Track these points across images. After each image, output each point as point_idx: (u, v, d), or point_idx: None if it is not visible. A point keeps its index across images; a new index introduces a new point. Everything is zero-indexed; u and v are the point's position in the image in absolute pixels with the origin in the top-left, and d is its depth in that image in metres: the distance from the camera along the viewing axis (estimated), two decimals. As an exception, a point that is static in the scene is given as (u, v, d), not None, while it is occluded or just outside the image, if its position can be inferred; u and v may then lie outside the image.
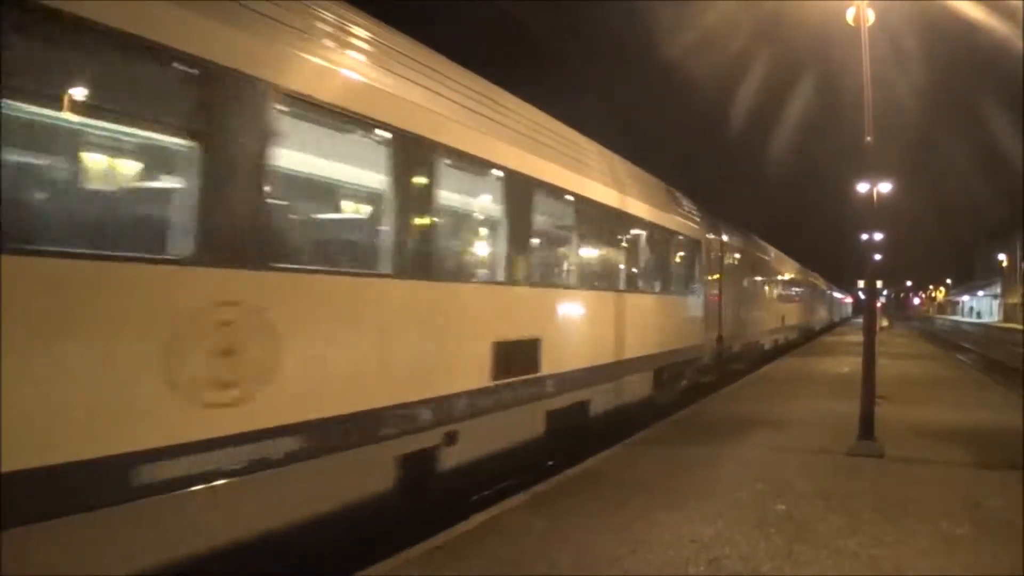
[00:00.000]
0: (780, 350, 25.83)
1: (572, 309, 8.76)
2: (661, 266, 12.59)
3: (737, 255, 19.30)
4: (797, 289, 33.22)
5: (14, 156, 3.36)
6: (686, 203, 14.62)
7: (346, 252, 5.84)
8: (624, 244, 10.71)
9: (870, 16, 8.98)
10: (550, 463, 8.24)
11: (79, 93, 3.60)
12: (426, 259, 5.97)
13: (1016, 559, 5.08)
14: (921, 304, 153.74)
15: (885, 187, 16.64)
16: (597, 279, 9.79)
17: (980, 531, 5.76)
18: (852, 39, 9.13)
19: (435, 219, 6.11)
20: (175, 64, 3.90)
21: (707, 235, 15.73)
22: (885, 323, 43.98)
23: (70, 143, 3.81)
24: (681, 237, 13.50)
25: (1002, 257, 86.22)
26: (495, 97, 7.58)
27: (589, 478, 7.53)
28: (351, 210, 6.18)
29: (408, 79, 5.88)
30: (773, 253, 26.55)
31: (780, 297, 27.21)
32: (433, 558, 5.18)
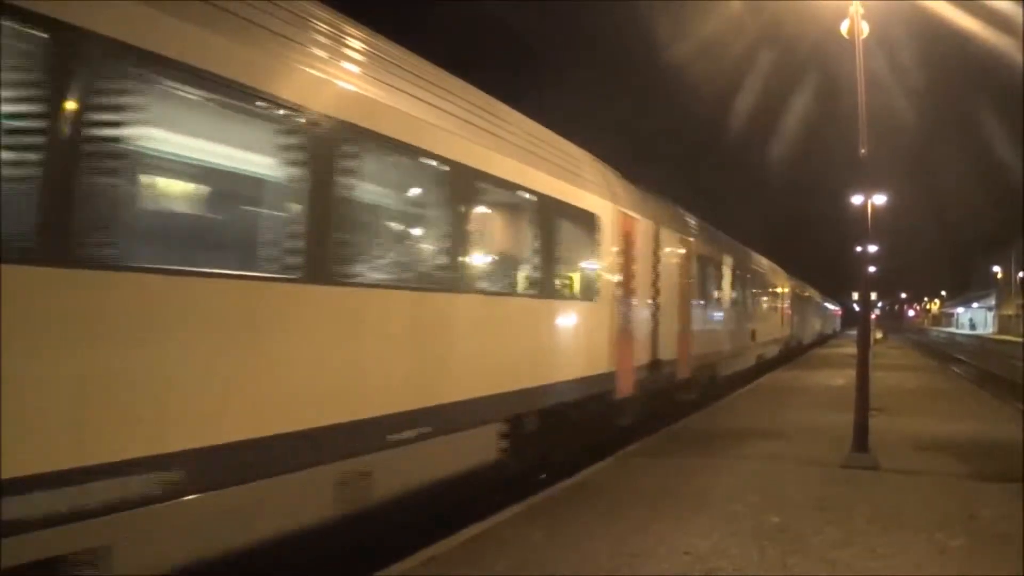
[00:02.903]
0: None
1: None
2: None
3: None
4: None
5: None
6: None
7: None
8: None
9: (864, 29, 9.04)
10: (543, 476, 8.21)
11: None
12: None
13: (1013, 571, 5.08)
14: (916, 316, 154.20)
15: (880, 199, 16.71)
16: None
17: (976, 543, 5.75)
18: (851, 47, 9.18)
19: None
20: None
21: None
22: (879, 335, 44.01)
23: None
24: None
25: (997, 269, 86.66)
26: None
27: (584, 490, 7.51)
28: None
29: None
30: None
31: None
32: (429, 569, 5.16)
